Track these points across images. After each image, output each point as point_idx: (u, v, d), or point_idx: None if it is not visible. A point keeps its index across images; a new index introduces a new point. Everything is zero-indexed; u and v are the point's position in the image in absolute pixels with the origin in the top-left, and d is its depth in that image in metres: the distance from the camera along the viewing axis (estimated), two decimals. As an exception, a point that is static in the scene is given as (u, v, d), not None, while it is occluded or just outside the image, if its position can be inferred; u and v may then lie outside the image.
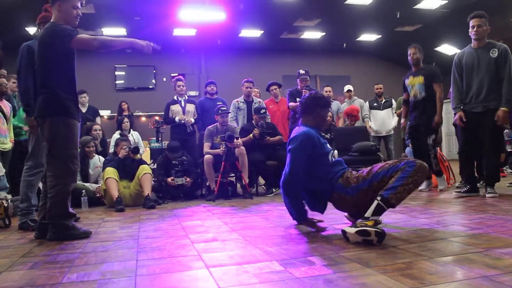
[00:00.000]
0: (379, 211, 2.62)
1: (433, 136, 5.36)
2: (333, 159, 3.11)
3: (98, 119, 7.73)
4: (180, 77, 6.83)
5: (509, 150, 6.99)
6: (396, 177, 2.66)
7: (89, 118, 7.27)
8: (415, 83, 5.43)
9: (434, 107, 5.31)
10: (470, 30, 4.63)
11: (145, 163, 5.71)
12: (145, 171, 5.37)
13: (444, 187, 5.38)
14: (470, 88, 4.65)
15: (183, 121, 6.38)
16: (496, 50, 4.50)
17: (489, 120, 4.46)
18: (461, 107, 4.73)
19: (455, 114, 4.78)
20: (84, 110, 7.41)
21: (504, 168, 7.39)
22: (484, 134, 4.54)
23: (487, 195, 4.45)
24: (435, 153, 5.43)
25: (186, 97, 6.77)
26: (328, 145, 3.22)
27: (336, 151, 3.21)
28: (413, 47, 5.51)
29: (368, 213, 2.62)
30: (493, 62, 4.49)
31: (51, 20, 3.28)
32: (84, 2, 3.42)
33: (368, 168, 2.94)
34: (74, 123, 3.23)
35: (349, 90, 8.41)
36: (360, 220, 2.63)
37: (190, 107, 6.59)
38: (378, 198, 2.63)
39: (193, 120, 6.46)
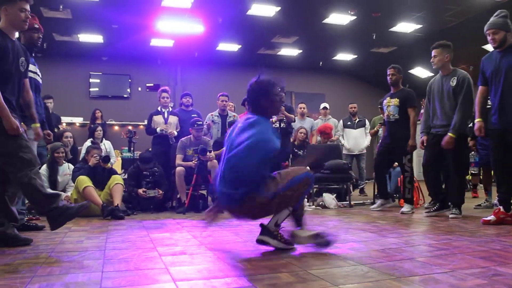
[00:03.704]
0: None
1: (408, 156, 5.42)
2: None
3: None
4: (166, 88, 6.82)
5: (471, 172, 7.19)
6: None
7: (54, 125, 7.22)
8: (390, 105, 5.53)
9: (406, 130, 5.40)
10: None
11: (115, 172, 5.62)
12: (116, 181, 5.31)
13: (408, 210, 5.16)
14: (435, 113, 4.84)
15: (164, 132, 6.33)
16: (455, 78, 4.65)
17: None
18: (427, 132, 4.92)
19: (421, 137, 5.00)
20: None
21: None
22: (447, 157, 4.68)
23: (450, 216, 4.53)
24: (411, 177, 5.40)
25: (170, 109, 6.77)
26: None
27: None
28: (392, 68, 5.60)
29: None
30: (451, 90, 4.65)
31: None
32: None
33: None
34: None
35: (325, 108, 8.53)
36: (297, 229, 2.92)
37: (173, 119, 6.57)
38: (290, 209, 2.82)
39: (175, 133, 6.41)
